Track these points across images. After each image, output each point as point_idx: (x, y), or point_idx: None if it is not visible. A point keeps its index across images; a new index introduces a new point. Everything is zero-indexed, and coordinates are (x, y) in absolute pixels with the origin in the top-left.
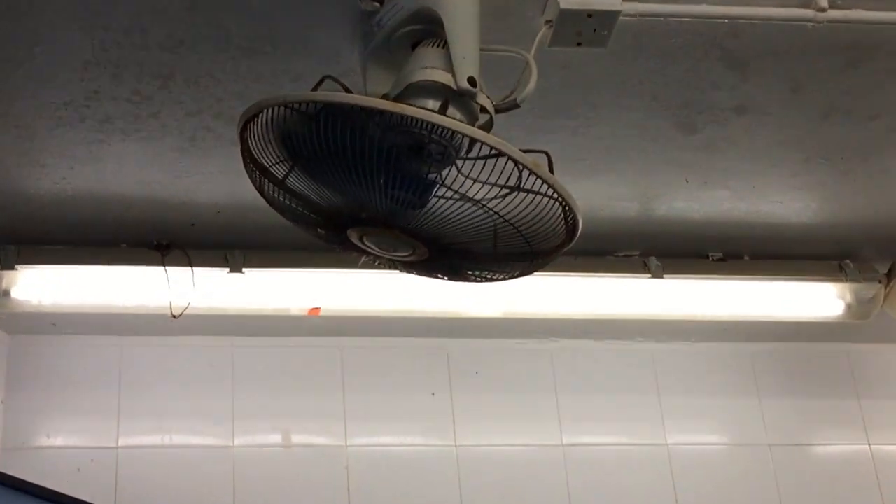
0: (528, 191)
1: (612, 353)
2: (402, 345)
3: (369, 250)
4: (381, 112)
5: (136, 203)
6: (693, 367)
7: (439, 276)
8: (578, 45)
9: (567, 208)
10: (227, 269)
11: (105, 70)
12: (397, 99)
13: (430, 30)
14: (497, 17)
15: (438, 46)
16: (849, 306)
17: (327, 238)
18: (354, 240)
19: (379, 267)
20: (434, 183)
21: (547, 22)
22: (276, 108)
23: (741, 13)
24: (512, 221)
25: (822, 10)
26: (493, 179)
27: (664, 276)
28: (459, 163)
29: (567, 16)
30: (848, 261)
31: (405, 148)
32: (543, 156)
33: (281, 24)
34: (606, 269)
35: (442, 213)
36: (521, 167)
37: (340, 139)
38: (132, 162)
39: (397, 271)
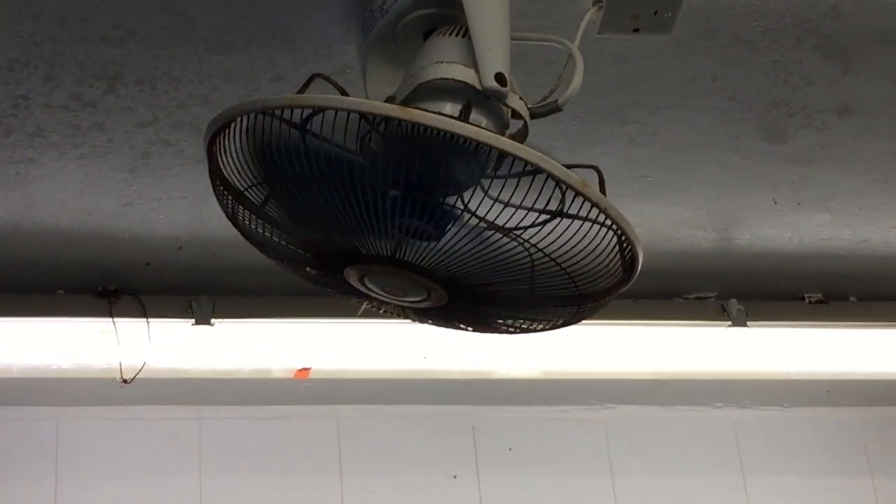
0: (574, 216)
1: (684, 422)
2: (414, 414)
3: (372, 294)
4: (387, 119)
5: (77, 237)
6: (786, 440)
7: (461, 326)
8: (635, 31)
9: (623, 238)
10: (192, 321)
11: (36, 70)
12: (406, 102)
13: (446, 14)
14: None
15: (457, 35)
16: None
17: (319, 279)
18: (353, 281)
19: (385, 315)
20: (454, 208)
21: (595, 2)
22: (252, 116)
23: None
24: (553, 255)
25: None
26: (528, 203)
27: (748, 323)
28: (486, 182)
29: None
30: None
31: (417, 164)
32: (593, 172)
33: (257, 10)
34: (675, 316)
35: (464, 246)
36: (563, 187)
37: (335, 154)
38: (71, 185)
39: (408, 321)
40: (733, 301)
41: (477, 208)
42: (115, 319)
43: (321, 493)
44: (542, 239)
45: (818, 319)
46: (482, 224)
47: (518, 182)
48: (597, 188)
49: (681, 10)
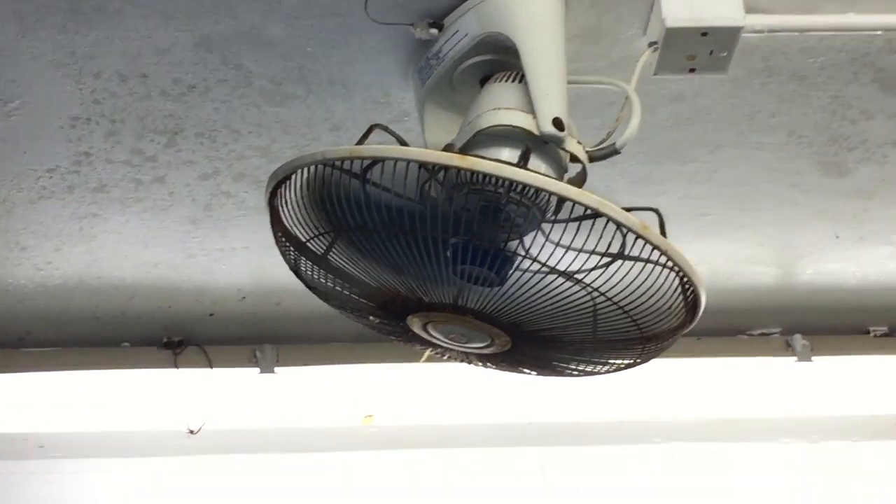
0: (636, 259)
1: (751, 458)
2: (483, 457)
3: (436, 341)
4: (446, 168)
5: (141, 290)
6: (858, 474)
7: (525, 370)
8: (692, 71)
9: (685, 279)
10: (257, 369)
11: (97, 127)
12: (464, 150)
13: (502, 60)
14: (587, 40)
15: (514, 81)
16: None
17: (383, 328)
18: (417, 329)
19: (449, 361)
20: (515, 254)
21: (651, 44)
22: (313, 168)
23: None
24: (615, 298)
25: None
26: (589, 246)
27: (813, 357)
28: (546, 227)
29: (676, 35)
30: None
31: (477, 211)
32: (653, 214)
33: (314, 61)
34: (739, 352)
35: (526, 291)
36: (624, 230)
37: (395, 203)
38: (134, 239)
39: (472, 365)
40: (797, 336)
41: (538, 253)
42: (181, 370)
43: None
44: (605, 282)
45: (885, 351)
46: (544, 269)
47: (579, 226)
48: (657, 230)
49: (736, 48)
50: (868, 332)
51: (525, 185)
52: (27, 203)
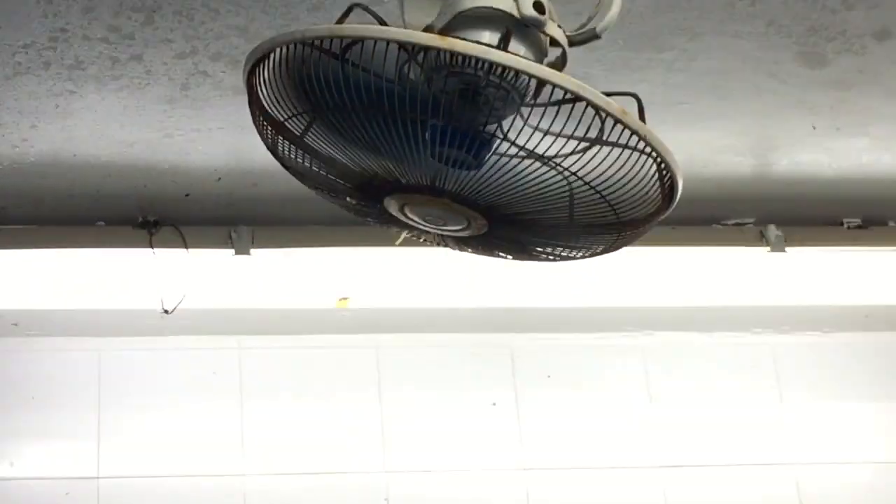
0: (614, 144)
1: (722, 348)
2: (453, 343)
3: (412, 224)
4: (426, 48)
5: (116, 169)
6: (825, 365)
7: (501, 254)
8: None
9: (663, 165)
10: (232, 251)
11: (74, 2)
12: (444, 31)
13: None
14: None
15: None
16: None
17: (359, 209)
18: (394, 211)
19: (425, 244)
20: (493, 137)
21: None
22: (291, 47)
23: None
24: (593, 183)
25: None
26: (568, 131)
27: (787, 248)
28: (525, 111)
29: None
30: None
31: (456, 93)
32: (632, 99)
33: None
34: (713, 241)
35: (504, 174)
36: (603, 115)
37: (374, 84)
38: (110, 117)
39: (448, 249)
40: (772, 227)
41: (517, 137)
42: (156, 250)
43: (361, 421)
44: (582, 167)
45: (857, 244)
46: (522, 152)
47: (558, 110)
48: (636, 115)
49: None
50: (842, 224)
51: (504, 68)
52: (2, 79)
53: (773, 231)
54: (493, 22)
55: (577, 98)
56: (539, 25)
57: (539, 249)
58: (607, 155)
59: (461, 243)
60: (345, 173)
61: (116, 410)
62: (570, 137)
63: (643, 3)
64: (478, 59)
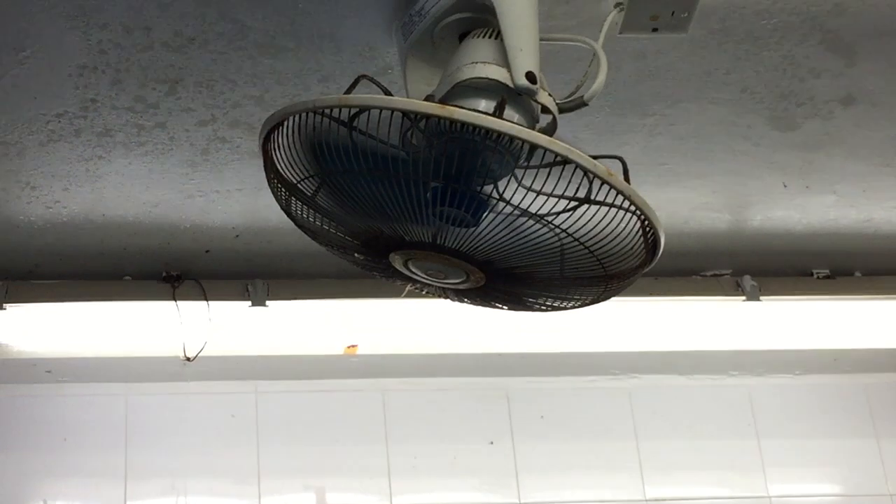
0: (601, 203)
1: (702, 389)
2: (454, 386)
3: (415, 277)
4: (427, 116)
5: (142, 228)
6: (798, 405)
7: (497, 305)
8: (654, 30)
9: (646, 222)
10: (249, 303)
11: (103, 75)
12: (444, 100)
13: (480, 18)
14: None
15: (490, 37)
16: None
17: (366, 264)
18: (398, 266)
19: (427, 296)
20: (490, 197)
21: (617, 5)
22: (303, 115)
23: None
24: (581, 239)
25: None
26: (558, 191)
27: (761, 297)
28: (519, 172)
29: None
30: None
31: (456, 157)
32: (617, 161)
33: (305, 16)
34: (693, 291)
35: (499, 232)
36: (591, 176)
37: (380, 149)
38: (136, 180)
39: (448, 300)
40: (747, 277)
41: (511, 197)
42: (178, 302)
43: (369, 460)
44: (572, 224)
45: (826, 293)
46: (516, 211)
47: (549, 172)
48: (621, 177)
49: (696, 10)
50: (812, 275)
51: (500, 133)
52: (37, 145)
53: (748, 281)
54: (489, 91)
55: (566, 161)
56: (531, 94)
57: (532, 300)
58: (595, 213)
59: (461, 295)
60: (353, 231)
61: (142, 451)
62: (560, 197)
63: (627, 73)
64: (475, 126)
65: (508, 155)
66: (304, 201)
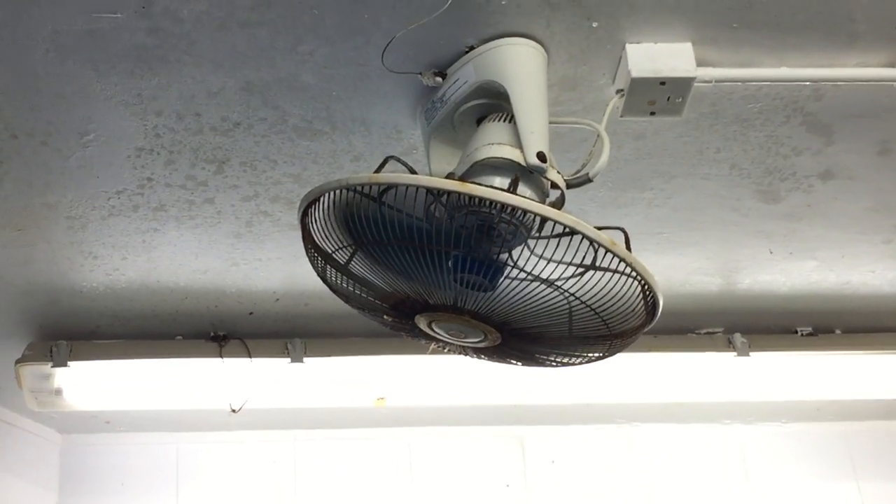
0: (605, 269)
1: (698, 436)
2: (473, 434)
3: (438, 337)
4: (448, 192)
5: (192, 293)
6: (785, 451)
7: (512, 361)
8: (652, 114)
9: (646, 286)
10: (288, 359)
11: (158, 156)
12: (464, 178)
13: (495, 104)
14: (565, 87)
15: (505, 121)
16: None
17: (394, 325)
18: (423, 326)
19: (449, 353)
20: (505, 264)
21: (618, 91)
22: (338, 192)
23: (824, 75)
24: (588, 302)
25: None
26: (567, 258)
27: (750, 353)
28: (531, 242)
29: (639, 84)
30: None
31: (474, 229)
32: (619, 232)
33: (338, 103)
34: (689, 348)
35: (514, 295)
36: (596, 245)
37: (406, 221)
38: (187, 250)
39: (468, 357)
40: (737, 335)
41: (525, 264)
42: (225, 360)
43: (396, 499)
44: (579, 289)
45: (810, 349)
46: (529, 277)
47: (558, 242)
48: (623, 245)
49: (689, 96)
50: (796, 332)
51: (514, 207)
52: (99, 219)
53: (738, 339)
54: (503, 169)
55: (574, 231)
56: (542, 172)
57: (544, 357)
58: (600, 278)
59: (479, 353)
60: (382, 295)
61: (192, 494)
62: (568, 264)
63: (627, 152)
64: (491, 201)
65: (522, 226)
66: (338, 269)
